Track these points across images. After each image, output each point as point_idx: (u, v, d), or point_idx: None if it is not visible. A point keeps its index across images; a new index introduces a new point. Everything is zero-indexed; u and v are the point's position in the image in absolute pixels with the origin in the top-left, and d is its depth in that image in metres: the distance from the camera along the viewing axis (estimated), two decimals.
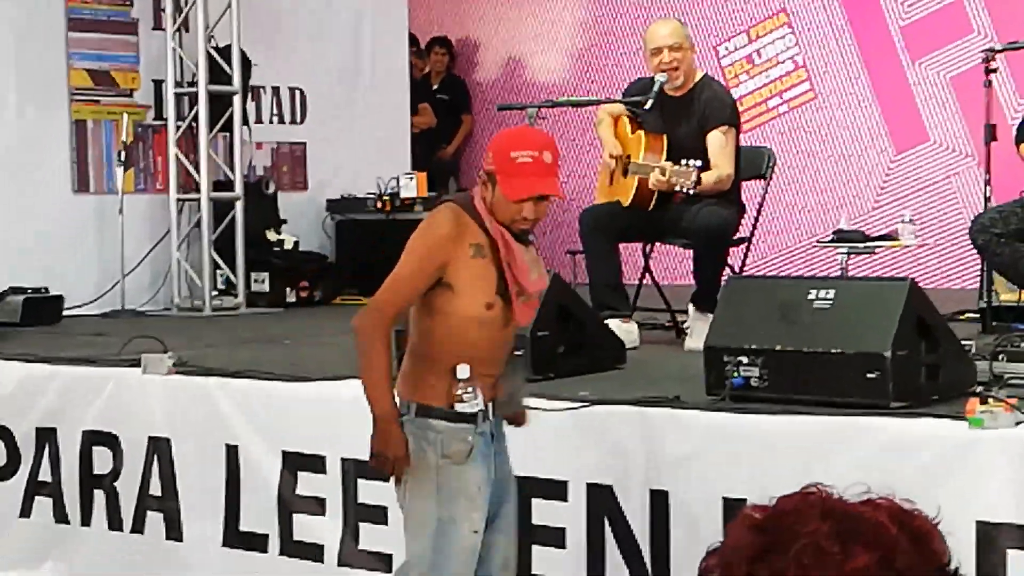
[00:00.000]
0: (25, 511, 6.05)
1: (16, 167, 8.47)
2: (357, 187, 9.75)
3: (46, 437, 5.97)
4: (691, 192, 6.02)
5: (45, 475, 5.98)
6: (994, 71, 6.47)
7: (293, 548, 5.33)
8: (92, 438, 5.86)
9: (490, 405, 3.94)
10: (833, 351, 4.40)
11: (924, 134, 9.56)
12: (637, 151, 6.47)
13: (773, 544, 1.63)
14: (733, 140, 6.40)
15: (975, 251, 6.20)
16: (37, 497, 6.01)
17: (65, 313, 8.15)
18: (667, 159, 6.30)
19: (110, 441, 5.83)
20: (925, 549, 1.63)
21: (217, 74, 8.84)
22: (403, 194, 9.52)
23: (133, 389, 5.78)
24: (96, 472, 5.85)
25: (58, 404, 5.97)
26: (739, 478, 4.31)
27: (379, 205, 9.53)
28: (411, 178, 9.62)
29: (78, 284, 8.54)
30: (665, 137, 6.43)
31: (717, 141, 6.33)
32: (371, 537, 5.14)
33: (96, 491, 5.85)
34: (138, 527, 5.74)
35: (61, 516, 5.94)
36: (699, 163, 6.07)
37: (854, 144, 9.84)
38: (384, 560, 5.08)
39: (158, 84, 9.07)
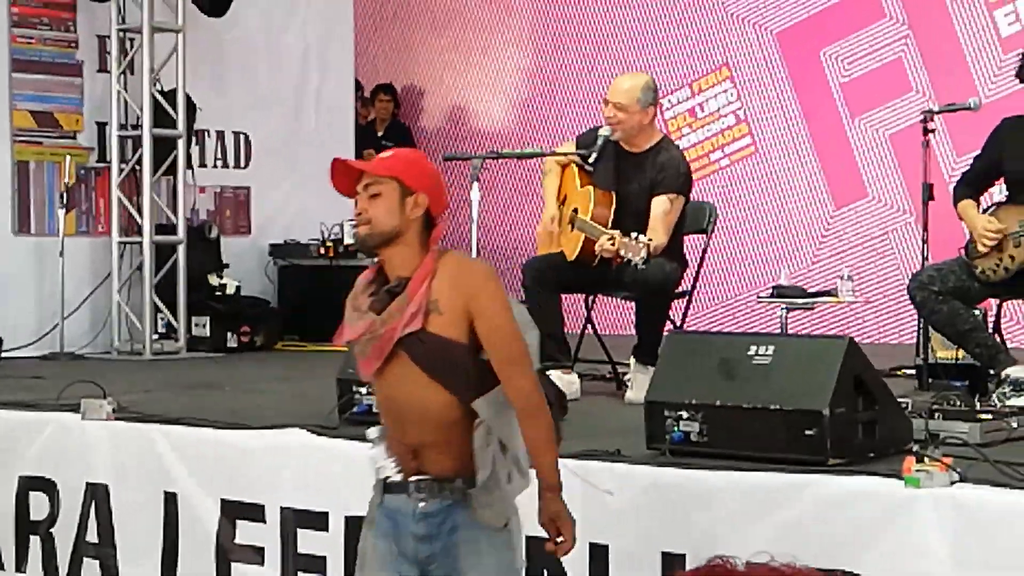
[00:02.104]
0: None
1: None
2: (300, 232, 9.76)
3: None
4: (638, 267, 5.99)
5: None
6: (932, 131, 6.58)
7: None
8: (29, 483, 5.81)
9: (412, 482, 3.57)
10: (772, 407, 4.43)
11: (863, 190, 9.69)
12: (585, 206, 6.50)
13: None
14: (678, 209, 6.42)
15: (913, 307, 6.28)
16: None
17: (3, 355, 8.09)
18: (614, 216, 6.34)
19: (47, 486, 5.78)
20: None
21: (161, 117, 8.84)
22: (346, 240, 9.53)
23: (72, 434, 5.74)
24: (32, 518, 5.79)
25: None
26: (678, 532, 4.34)
27: (322, 251, 9.55)
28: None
29: (17, 326, 8.49)
30: (615, 195, 6.47)
31: (661, 208, 6.35)
32: None
33: (32, 537, 5.79)
34: (74, 574, 5.68)
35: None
36: (649, 239, 6.04)
37: (794, 198, 9.96)
38: None
39: (102, 126, 9.06)
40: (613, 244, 6.02)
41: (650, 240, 6.03)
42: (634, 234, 6.03)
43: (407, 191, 3.61)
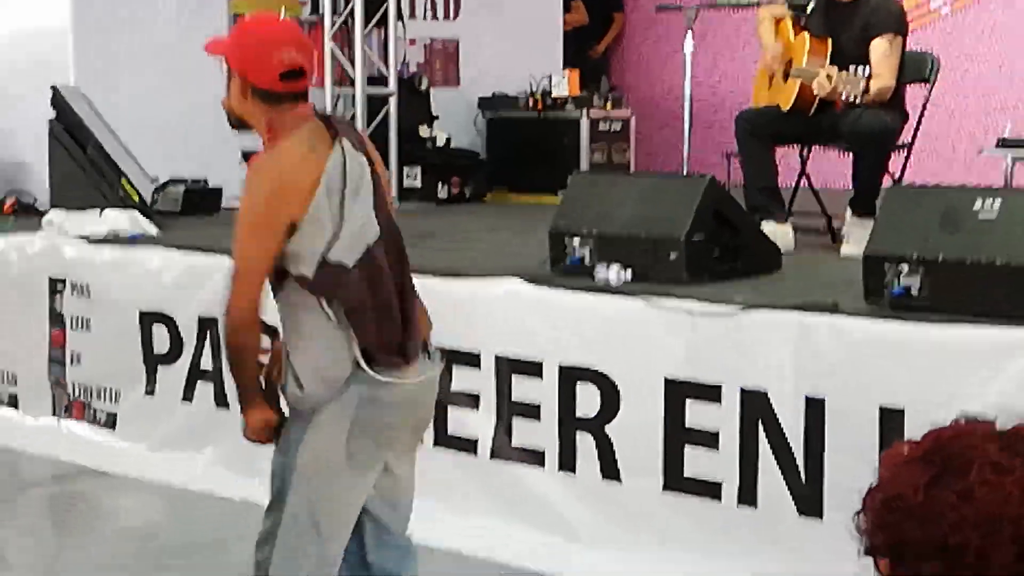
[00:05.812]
0: (187, 395, 6.22)
1: (175, 62, 8.59)
2: (509, 85, 9.74)
3: (208, 326, 6.11)
4: (858, 101, 5.91)
5: (206, 363, 6.13)
6: None
7: (447, 441, 5.42)
8: None
9: None
10: (998, 262, 4.32)
11: None
12: (800, 54, 6.37)
13: (947, 468, 1.62)
14: (898, 50, 6.26)
15: None
16: (199, 382, 6.18)
17: (224, 205, 8.30)
18: (831, 64, 6.20)
19: (268, 331, 5.92)
20: None
21: None
22: (555, 93, 9.49)
23: None
24: None
25: (220, 294, 6.08)
26: (897, 388, 4.28)
27: (530, 104, 9.52)
28: (563, 77, 9.58)
29: (236, 176, 8.66)
30: (830, 40, 6.32)
31: (881, 50, 6.20)
32: (524, 433, 5.20)
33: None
34: None
35: (222, 401, 6.08)
36: (867, 72, 5.95)
37: (1019, 47, 9.57)
38: (537, 456, 5.15)
39: None
40: (831, 81, 5.91)
41: (868, 75, 5.91)
42: (852, 67, 5.91)
43: (231, 73, 3.38)
